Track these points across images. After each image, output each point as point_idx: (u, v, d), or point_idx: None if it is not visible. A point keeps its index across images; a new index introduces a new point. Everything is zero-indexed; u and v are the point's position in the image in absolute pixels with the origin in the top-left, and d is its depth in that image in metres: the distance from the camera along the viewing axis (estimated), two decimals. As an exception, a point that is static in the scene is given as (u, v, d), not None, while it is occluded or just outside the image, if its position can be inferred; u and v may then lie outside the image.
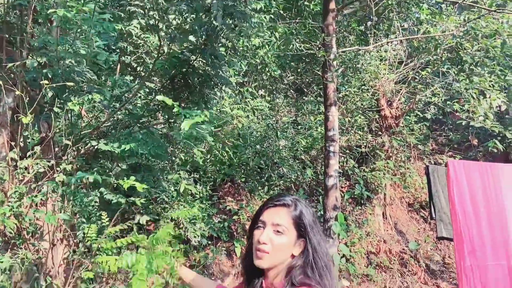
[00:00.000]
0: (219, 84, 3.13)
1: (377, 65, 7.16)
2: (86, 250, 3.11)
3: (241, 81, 5.81)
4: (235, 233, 6.30)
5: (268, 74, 6.35)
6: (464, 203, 4.75)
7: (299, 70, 7.17)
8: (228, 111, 4.17)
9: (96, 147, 3.20)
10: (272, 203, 1.50)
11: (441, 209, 6.11)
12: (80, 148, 3.14)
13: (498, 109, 8.30)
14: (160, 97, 2.18)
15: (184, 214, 2.95)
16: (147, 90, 3.40)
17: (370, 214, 7.71)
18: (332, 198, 5.24)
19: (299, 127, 7.87)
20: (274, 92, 7.79)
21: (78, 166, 2.95)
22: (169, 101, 2.13)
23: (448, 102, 7.04)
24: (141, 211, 3.84)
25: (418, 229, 8.31)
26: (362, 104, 7.59)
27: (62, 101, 2.56)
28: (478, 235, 4.69)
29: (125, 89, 3.43)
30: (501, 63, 6.05)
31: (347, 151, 7.80)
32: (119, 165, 3.33)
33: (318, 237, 1.47)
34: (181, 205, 4.78)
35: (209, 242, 5.81)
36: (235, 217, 6.27)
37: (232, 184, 6.96)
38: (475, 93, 7.03)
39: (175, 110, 2.11)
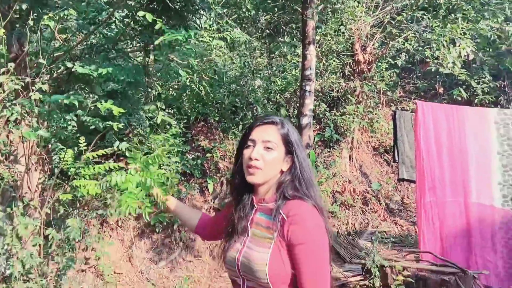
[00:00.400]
0: (200, 10, 3.04)
1: (354, 6, 7.10)
2: (62, 175, 3.09)
3: (220, 12, 5.62)
4: (207, 170, 6.39)
5: (245, 9, 6.17)
6: (429, 143, 4.99)
7: (277, 8, 7.01)
8: (207, 41, 4.04)
9: (70, 71, 3.09)
10: (261, 121, 1.54)
11: (404, 153, 6.42)
12: (53, 71, 3.02)
13: (466, 58, 8.54)
14: (141, 13, 2.10)
15: (162, 138, 2.97)
16: (123, 13, 3.24)
17: (337, 156, 7.98)
18: (305, 137, 5.36)
19: (274, 69, 7.83)
20: (249, 35, 7.62)
21: (52, 88, 2.85)
22: (149, 17, 2.06)
23: (420, 48, 7.16)
24: (118, 140, 3.80)
25: (381, 171, 8.72)
26: (337, 48, 7.59)
27: (35, 17, 2.41)
28: (439, 173, 4.99)
29: (98, 13, 3.26)
30: (477, 7, 6.14)
31: (320, 94, 7.89)
32: (95, 91, 3.24)
33: (304, 153, 1.54)
34: (156, 139, 4.75)
35: (182, 178, 5.89)
36: (208, 155, 6.32)
37: (205, 123, 6.96)
38: (445, 41, 7.16)
39: (157, 26, 2.04)
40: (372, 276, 4.50)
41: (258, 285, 1.42)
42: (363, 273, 4.76)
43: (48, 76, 2.88)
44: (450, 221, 4.97)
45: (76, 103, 2.17)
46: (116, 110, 2.13)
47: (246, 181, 1.51)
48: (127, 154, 1.86)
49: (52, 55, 2.76)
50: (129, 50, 3.30)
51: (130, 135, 5.34)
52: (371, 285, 4.49)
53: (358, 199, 7.62)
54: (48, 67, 2.66)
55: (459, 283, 4.25)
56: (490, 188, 4.96)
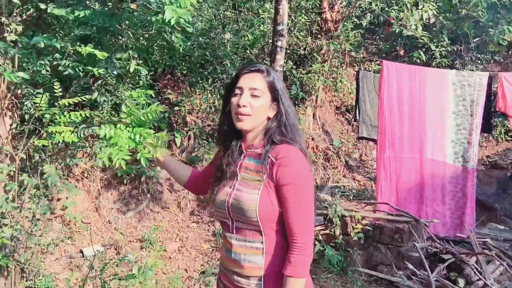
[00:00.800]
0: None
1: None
2: (35, 121, 3.03)
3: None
4: (175, 124, 6.38)
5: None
6: (392, 102, 5.25)
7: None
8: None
9: (38, 15, 2.96)
10: (247, 69, 1.60)
11: (365, 112, 6.68)
12: (23, 13, 2.88)
13: (428, 21, 8.80)
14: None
15: (138, 95, 2.95)
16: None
17: (302, 114, 8.16)
18: (274, 92, 5.42)
19: (242, 23, 7.72)
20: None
21: (24, 30, 2.73)
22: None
23: (386, 9, 7.29)
24: (94, 88, 3.72)
25: (342, 130, 9.04)
26: (306, 4, 7.57)
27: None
28: (399, 130, 5.29)
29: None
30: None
31: (288, 51, 7.91)
32: (66, 37, 3.13)
33: (288, 101, 1.63)
34: (126, 89, 4.67)
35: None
36: (175, 108, 6.29)
37: (172, 76, 6.86)
38: (409, 2, 7.34)
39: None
40: (333, 226, 4.81)
41: (247, 224, 1.52)
42: (325, 223, 5.06)
43: (19, 18, 2.75)
44: (406, 175, 5.34)
45: (58, 45, 2.11)
46: (99, 54, 2.11)
47: (235, 128, 1.58)
48: (123, 108, 1.85)
49: (22, -5, 2.63)
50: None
51: (96, 84, 5.20)
52: (332, 233, 4.80)
53: (320, 155, 7.92)
54: (21, 8, 2.54)
55: (412, 230, 4.65)
56: (443, 146, 5.34)
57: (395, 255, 4.57)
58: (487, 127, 5.86)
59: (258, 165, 1.54)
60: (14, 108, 3.03)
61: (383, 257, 4.64)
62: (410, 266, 4.19)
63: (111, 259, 4.41)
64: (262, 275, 1.51)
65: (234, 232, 1.57)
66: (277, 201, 1.50)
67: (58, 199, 5.01)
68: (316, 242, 4.67)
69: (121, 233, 5.12)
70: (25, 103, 3.15)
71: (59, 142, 2.74)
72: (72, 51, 2.48)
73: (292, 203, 1.48)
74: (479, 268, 3.95)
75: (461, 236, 5.08)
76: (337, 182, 7.55)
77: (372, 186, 7.36)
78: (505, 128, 8.53)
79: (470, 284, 3.86)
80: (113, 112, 4.93)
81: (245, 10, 7.87)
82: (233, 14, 7.57)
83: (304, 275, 1.47)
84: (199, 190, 1.95)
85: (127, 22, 4.00)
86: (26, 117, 3.29)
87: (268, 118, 1.60)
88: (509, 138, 8.68)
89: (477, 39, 9.11)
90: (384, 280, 4.38)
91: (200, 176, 1.90)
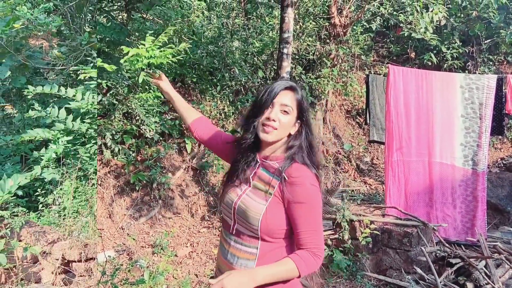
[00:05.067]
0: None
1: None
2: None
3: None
4: (185, 131, 6.49)
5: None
6: (398, 106, 5.26)
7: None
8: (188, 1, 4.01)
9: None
10: (283, 87, 1.65)
11: (375, 116, 6.69)
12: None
13: (438, 23, 8.76)
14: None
15: (147, 96, 3.06)
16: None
17: (312, 118, 8.20)
18: (281, 98, 5.48)
19: (251, 30, 7.83)
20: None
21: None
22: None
23: (394, 13, 7.29)
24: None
25: (353, 133, 9.05)
26: (314, 10, 7.62)
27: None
28: (406, 134, 5.30)
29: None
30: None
31: (296, 57, 7.98)
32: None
33: (311, 120, 1.70)
34: (135, 99, 4.79)
35: (161, 138, 5.98)
36: (186, 115, 6.39)
37: (183, 84, 6.98)
38: (419, 5, 7.33)
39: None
40: (341, 230, 4.84)
41: (246, 229, 1.59)
42: (334, 228, 5.09)
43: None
44: (414, 179, 5.34)
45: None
46: (108, 67, 2.21)
47: (256, 138, 1.66)
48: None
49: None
50: (111, 9, 3.31)
51: (108, 94, 5.35)
52: (341, 238, 4.83)
53: (330, 159, 7.94)
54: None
55: (420, 234, 4.65)
56: (452, 149, 5.32)
57: (404, 260, 4.57)
58: (498, 129, 5.81)
59: (271, 178, 1.62)
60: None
61: (392, 262, 4.65)
62: (419, 271, 4.19)
63: (122, 264, 4.51)
64: None
65: (234, 233, 1.64)
66: (286, 218, 1.57)
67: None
68: (325, 247, 4.70)
69: (134, 239, 5.24)
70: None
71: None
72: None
73: (305, 221, 1.55)
74: (487, 272, 3.93)
75: (472, 240, 5.05)
76: (348, 186, 7.55)
77: (383, 190, 7.34)
78: (519, 129, 8.43)
79: (479, 288, 3.85)
80: (124, 121, 5.06)
81: (254, 18, 7.96)
82: (241, 22, 7.67)
83: (302, 273, 1.53)
84: (202, 138, 1.99)
85: (136, 34, 4.13)
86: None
87: (289, 135, 1.67)
88: (524, 140, 8.57)
89: (489, 40, 9.01)
90: (392, 285, 4.38)
91: (209, 128, 1.98)
